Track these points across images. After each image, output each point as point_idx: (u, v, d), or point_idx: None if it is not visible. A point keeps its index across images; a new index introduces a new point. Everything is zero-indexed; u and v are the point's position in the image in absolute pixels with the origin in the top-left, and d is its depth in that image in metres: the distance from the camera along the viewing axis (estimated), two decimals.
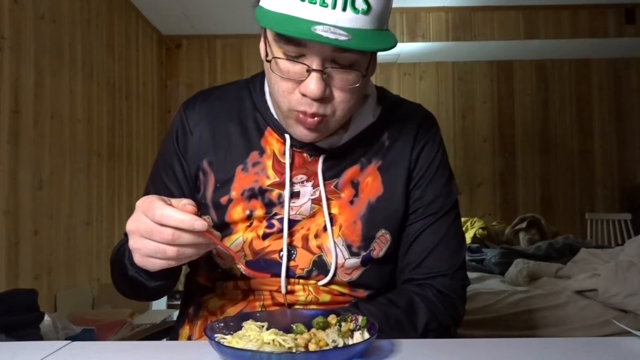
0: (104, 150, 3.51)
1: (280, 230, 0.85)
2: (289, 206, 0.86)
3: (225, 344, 0.64)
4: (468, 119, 5.13)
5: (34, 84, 2.65)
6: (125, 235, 0.95)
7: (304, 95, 0.75)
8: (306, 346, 0.65)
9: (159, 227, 0.66)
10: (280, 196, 0.86)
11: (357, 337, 0.67)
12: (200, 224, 0.65)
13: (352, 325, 0.68)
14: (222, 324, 0.71)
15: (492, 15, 4.48)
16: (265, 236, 0.86)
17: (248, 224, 0.87)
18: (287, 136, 0.86)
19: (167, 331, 2.60)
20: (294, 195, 0.86)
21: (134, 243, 0.70)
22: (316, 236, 0.85)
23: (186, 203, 0.68)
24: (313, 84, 0.73)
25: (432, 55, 4.87)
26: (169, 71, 4.89)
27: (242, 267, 0.75)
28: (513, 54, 4.97)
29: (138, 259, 0.71)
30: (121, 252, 0.84)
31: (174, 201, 0.69)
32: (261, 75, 0.93)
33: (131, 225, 0.70)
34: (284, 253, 0.85)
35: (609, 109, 5.11)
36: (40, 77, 2.72)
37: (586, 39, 4.53)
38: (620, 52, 4.91)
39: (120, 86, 3.80)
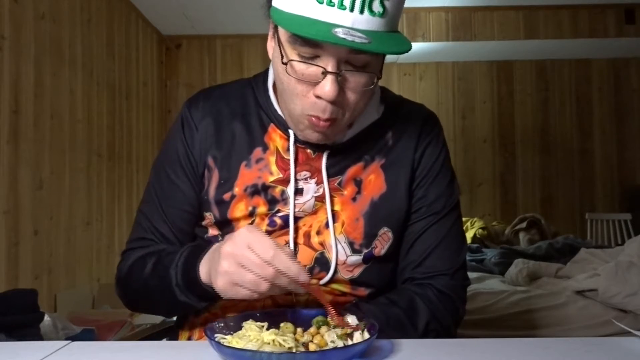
0: (104, 150, 3.51)
1: (282, 228, 0.86)
2: (294, 202, 0.86)
3: (225, 344, 0.64)
4: (468, 119, 5.13)
5: (34, 84, 2.65)
6: (127, 252, 0.92)
7: (317, 97, 0.75)
8: (306, 346, 0.65)
9: (263, 263, 0.66)
10: (283, 193, 0.86)
11: (357, 337, 0.67)
12: (304, 276, 0.66)
13: (348, 330, 0.68)
14: (222, 324, 0.71)
15: (492, 15, 4.48)
16: (267, 234, 0.86)
17: (250, 221, 0.87)
18: (290, 132, 0.86)
19: (167, 331, 2.61)
20: (298, 192, 0.86)
21: (227, 267, 0.68)
22: (318, 233, 0.86)
23: (290, 252, 0.68)
24: (328, 86, 0.73)
25: (432, 55, 4.87)
26: (169, 71, 4.89)
27: (332, 314, 0.71)
28: (513, 54, 4.96)
29: (222, 284, 0.69)
30: (161, 277, 0.81)
31: (279, 244, 0.68)
32: (264, 74, 0.93)
33: (231, 248, 0.68)
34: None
35: (609, 109, 5.11)
36: (40, 77, 2.72)
37: (586, 39, 4.52)
38: (620, 52, 4.91)
39: (120, 86, 3.80)
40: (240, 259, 0.67)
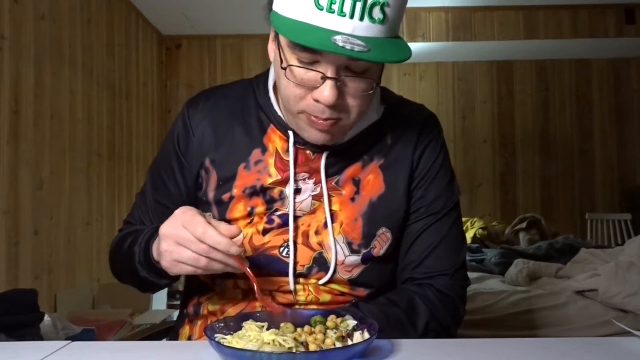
0: (104, 150, 3.51)
1: (281, 226, 0.86)
2: (294, 202, 0.86)
3: (225, 344, 0.64)
4: (468, 119, 5.13)
5: (34, 84, 2.65)
6: (120, 231, 0.97)
7: (316, 101, 0.75)
8: (306, 346, 0.65)
9: (196, 240, 0.70)
10: (281, 193, 0.86)
11: (357, 337, 0.67)
12: (235, 249, 0.70)
13: (343, 332, 0.68)
14: (222, 324, 0.71)
15: (492, 15, 4.48)
16: (265, 232, 0.86)
17: (249, 220, 0.87)
18: (290, 133, 0.87)
19: (167, 331, 2.60)
20: (296, 191, 0.86)
21: (167, 246, 0.73)
22: (316, 232, 0.86)
23: (227, 228, 0.71)
24: (327, 91, 0.73)
25: (432, 55, 4.87)
26: (169, 71, 4.89)
27: (258, 297, 0.76)
28: (513, 54, 4.96)
29: (166, 263, 0.74)
30: (130, 254, 0.86)
31: (213, 221, 0.72)
32: (265, 75, 0.93)
33: (167, 230, 0.73)
34: (291, 251, 0.85)
35: (609, 109, 5.11)
36: (40, 77, 2.72)
37: (586, 39, 4.52)
38: (620, 52, 4.91)
39: (120, 86, 3.80)
40: (177, 238, 0.72)
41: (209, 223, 0.71)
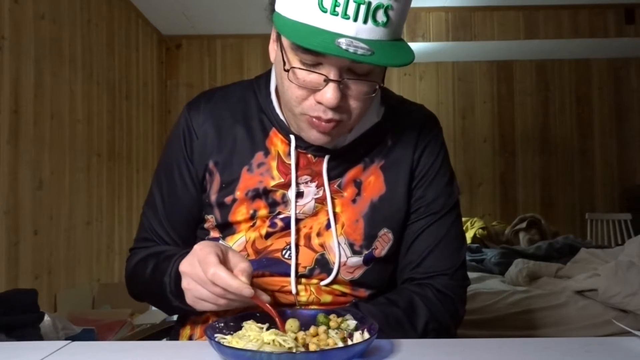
0: (104, 150, 3.51)
1: (283, 229, 0.86)
2: (296, 206, 0.86)
3: (225, 344, 0.64)
4: (468, 119, 5.13)
5: (34, 84, 2.65)
6: (134, 250, 0.96)
7: (319, 102, 0.75)
8: (306, 346, 0.65)
9: (209, 281, 0.69)
10: (284, 196, 0.86)
11: (357, 337, 0.67)
12: (248, 291, 0.68)
13: (345, 333, 0.68)
14: (222, 324, 0.71)
15: (492, 15, 4.48)
16: (267, 235, 0.86)
17: (251, 223, 0.87)
18: (291, 137, 0.86)
19: (167, 331, 2.61)
20: (298, 194, 0.86)
21: (187, 284, 0.74)
22: (318, 234, 0.86)
23: (242, 269, 0.70)
24: (330, 93, 0.73)
25: (432, 55, 4.87)
26: (169, 71, 4.89)
27: (282, 329, 0.71)
28: (513, 54, 4.96)
29: (189, 300, 0.75)
30: (159, 284, 0.84)
31: (231, 257, 0.72)
32: (266, 76, 0.93)
33: (186, 267, 0.73)
34: (292, 253, 0.85)
35: (609, 109, 5.11)
36: (40, 77, 2.72)
37: (586, 39, 4.52)
38: (620, 52, 4.91)
39: (120, 86, 3.80)
40: (193, 277, 0.72)
41: (224, 261, 0.70)
